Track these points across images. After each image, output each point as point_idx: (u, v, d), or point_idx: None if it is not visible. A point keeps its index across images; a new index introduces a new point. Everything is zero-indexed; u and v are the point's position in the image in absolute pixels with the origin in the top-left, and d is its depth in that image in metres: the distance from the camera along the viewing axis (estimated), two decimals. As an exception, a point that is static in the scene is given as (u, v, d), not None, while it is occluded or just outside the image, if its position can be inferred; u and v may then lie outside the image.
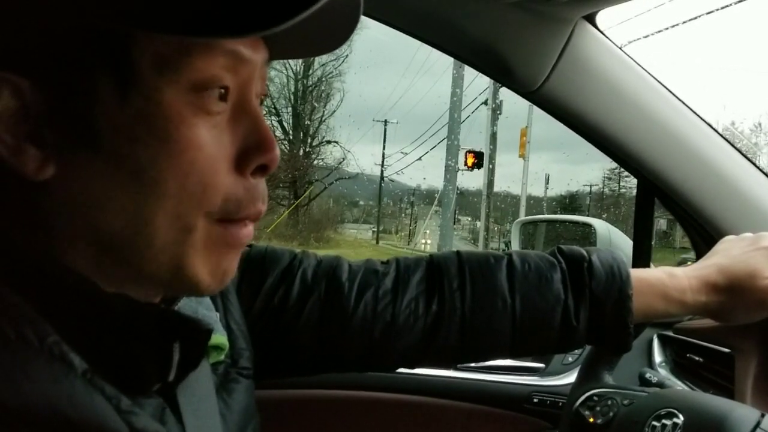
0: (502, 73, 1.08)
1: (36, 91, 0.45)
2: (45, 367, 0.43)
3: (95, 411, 0.43)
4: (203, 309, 0.61)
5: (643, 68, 1.07)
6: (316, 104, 26.36)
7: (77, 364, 0.44)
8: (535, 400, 1.51)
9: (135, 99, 0.45)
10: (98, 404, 0.44)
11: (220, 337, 0.60)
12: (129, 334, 0.48)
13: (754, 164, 1.09)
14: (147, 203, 0.47)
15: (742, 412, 0.73)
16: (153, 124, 0.46)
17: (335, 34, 0.56)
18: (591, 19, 1.02)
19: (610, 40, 1.05)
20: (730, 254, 0.82)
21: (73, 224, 0.48)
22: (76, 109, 0.46)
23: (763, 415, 0.71)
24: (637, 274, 0.81)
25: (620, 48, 1.06)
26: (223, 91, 0.49)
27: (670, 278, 0.80)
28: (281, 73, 24.92)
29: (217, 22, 0.44)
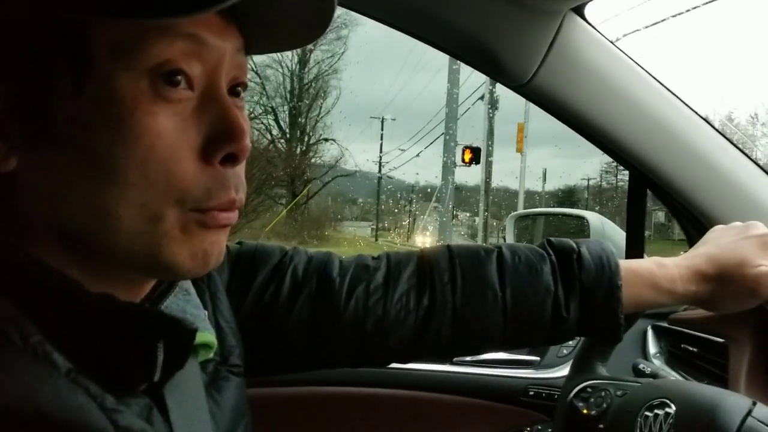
0: (492, 67, 1.08)
1: None
2: (28, 366, 0.43)
3: (79, 410, 0.43)
4: (191, 307, 0.60)
5: (633, 60, 1.07)
6: (310, 102, 26.33)
7: (61, 364, 0.44)
8: (531, 393, 1.52)
9: (91, 87, 0.45)
10: (82, 403, 0.44)
11: (208, 335, 0.60)
12: (112, 334, 0.48)
13: (746, 155, 1.09)
14: (108, 192, 0.47)
15: (734, 400, 0.73)
16: (108, 111, 0.46)
17: (312, 23, 0.56)
18: (579, 11, 1.02)
19: (599, 32, 1.05)
20: (719, 243, 0.82)
21: (41, 217, 0.48)
22: (33, 100, 0.46)
23: (754, 403, 0.71)
24: (626, 264, 0.81)
25: (610, 40, 1.06)
26: (179, 78, 0.48)
27: (660, 268, 0.80)
28: (277, 72, 24.91)
29: (166, 3, 0.43)
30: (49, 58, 0.45)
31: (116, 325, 0.48)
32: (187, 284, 0.63)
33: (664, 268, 0.80)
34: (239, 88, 0.55)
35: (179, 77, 0.48)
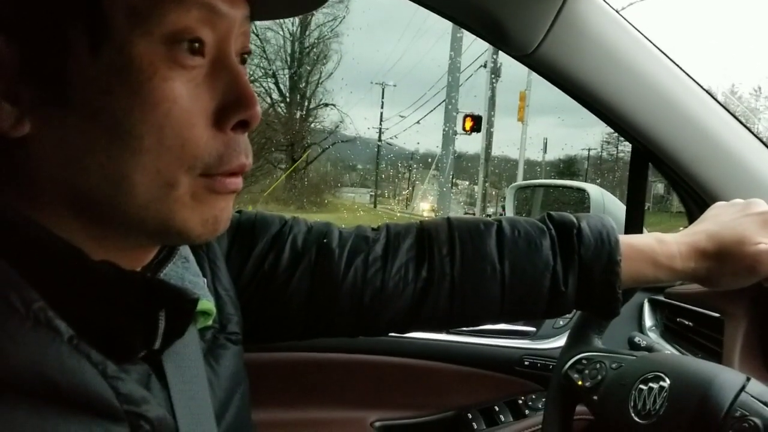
0: (497, 36, 1.06)
1: (10, 46, 0.45)
2: (31, 333, 0.43)
3: (82, 376, 0.43)
4: (190, 275, 0.61)
5: (639, 31, 1.05)
6: (310, 67, 26.09)
7: (63, 330, 0.44)
8: (526, 363, 1.54)
9: (107, 52, 0.45)
10: (85, 370, 0.44)
11: (206, 303, 0.60)
12: (114, 303, 0.48)
13: (750, 130, 1.08)
14: (124, 158, 0.47)
15: (728, 375, 0.74)
16: (126, 76, 0.46)
17: None
18: (588, -20, 1.00)
19: (606, 2, 1.03)
20: (719, 220, 0.82)
21: (53, 182, 0.48)
22: (49, 64, 0.46)
23: (748, 379, 0.72)
24: (626, 240, 0.80)
25: (617, 11, 1.04)
26: (197, 44, 0.48)
27: (660, 244, 0.80)
28: (278, 35, 24.63)
29: None
30: (65, 21, 0.45)
31: (118, 293, 0.48)
32: (186, 252, 0.63)
33: (664, 245, 0.80)
34: (245, 56, 0.55)
35: (196, 44, 0.48)
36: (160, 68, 0.46)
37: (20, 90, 0.46)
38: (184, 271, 0.60)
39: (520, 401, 1.55)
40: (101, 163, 0.47)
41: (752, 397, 0.70)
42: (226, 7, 0.50)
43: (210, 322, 0.63)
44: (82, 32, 0.45)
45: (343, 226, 0.86)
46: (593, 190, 1.98)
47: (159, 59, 0.46)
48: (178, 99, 0.47)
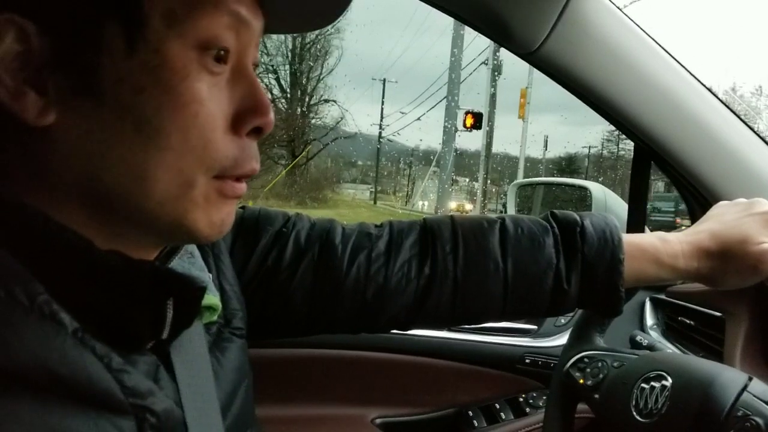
0: (500, 34, 1.06)
1: (42, 36, 0.45)
2: (35, 326, 0.43)
3: (86, 369, 0.44)
4: (195, 270, 0.61)
5: (642, 30, 1.05)
6: (312, 63, 26.06)
7: (68, 323, 0.44)
8: (527, 361, 1.54)
9: (142, 50, 0.46)
10: (89, 363, 0.44)
11: (212, 298, 0.61)
12: (122, 292, 0.48)
13: (753, 129, 1.08)
14: (148, 155, 0.48)
15: (730, 375, 0.74)
16: (159, 76, 0.47)
17: (328, 8, 0.59)
18: (592, -22, 1.00)
19: (610, 0, 1.03)
20: (722, 220, 0.82)
21: (71, 174, 0.48)
22: (82, 57, 0.46)
23: (750, 378, 0.72)
24: (629, 239, 0.80)
25: (620, 9, 1.04)
26: (222, 52, 0.50)
27: (663, 243, 0.80)
28: (279, 30, 24.54)
29: None
30: (102, 17, 0.46)
31: (126, 281, 0.49)
32: (192, 247, 0.64)
33: (667, 244, 0.80)
34: (254, 66, 0.57)
35: (222, 52, 0.50)
36: (191, 71, 0.48)
37: (49, 80, 0.46)
38: (190, 266, 0.61)
39: (521, 399, 1.55)
40: (124, 158, 0.48)
41: (754, 396, 0.70)
42: (250, 17, 0.52)
43: (215, 318, 0.63)
44: (118, 29, 0.46)
45: (345, 222, 0.86)
46: (595, 187, 1.98)
47: (190, 62, 0.48)
48: (205, 102, 0.49)
